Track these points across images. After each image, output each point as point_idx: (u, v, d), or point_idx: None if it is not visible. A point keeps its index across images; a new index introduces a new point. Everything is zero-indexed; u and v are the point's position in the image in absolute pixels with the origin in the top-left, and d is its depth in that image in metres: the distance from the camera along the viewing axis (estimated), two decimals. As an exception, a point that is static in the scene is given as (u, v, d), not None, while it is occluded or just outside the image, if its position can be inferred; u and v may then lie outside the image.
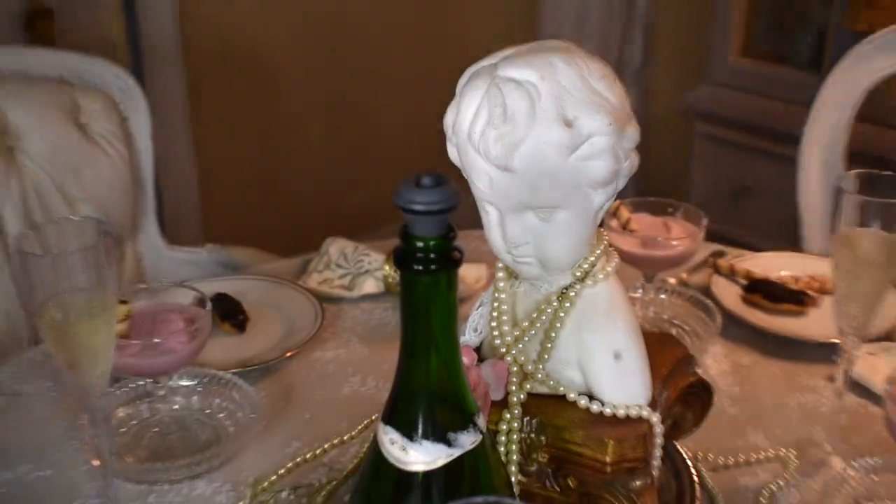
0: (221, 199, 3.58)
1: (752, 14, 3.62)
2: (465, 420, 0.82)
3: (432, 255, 0.75)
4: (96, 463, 1.24)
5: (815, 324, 1.63)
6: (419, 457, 0.81)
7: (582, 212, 1.03)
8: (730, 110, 3.59)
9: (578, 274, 1.07)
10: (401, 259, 0.76)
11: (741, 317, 1.63)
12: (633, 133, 1.02)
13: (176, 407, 1.40)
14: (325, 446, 1.34)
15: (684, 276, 1.77)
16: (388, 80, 3.93)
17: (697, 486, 1.21)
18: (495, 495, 0.72)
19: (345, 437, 1.35)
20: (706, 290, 1.68)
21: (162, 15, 3.26)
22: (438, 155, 1.08)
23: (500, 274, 1.12)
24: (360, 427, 1.37)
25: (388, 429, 0.82)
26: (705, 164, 3.76)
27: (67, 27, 2.99)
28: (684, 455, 1.25)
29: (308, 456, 1.32)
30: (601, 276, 1.07)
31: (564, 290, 1.07)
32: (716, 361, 1.55)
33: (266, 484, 1.26)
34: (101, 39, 3.12)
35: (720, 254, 1.83)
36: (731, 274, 1.76)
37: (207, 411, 1.40)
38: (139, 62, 3.24)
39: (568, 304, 1.07)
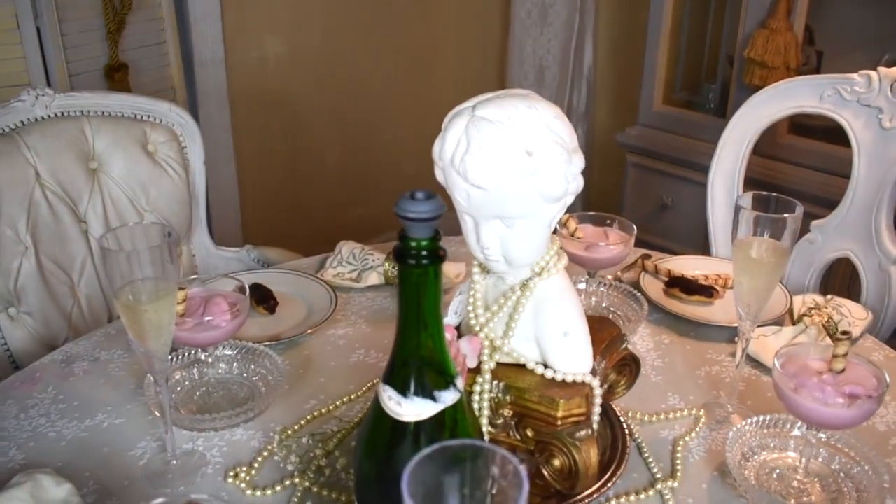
0: (257, 211, 3.58)
1: (672, 71, 3.62)
2: (447, 381, 0.82)
3: (423, 253, 0.75)
4: (157, 414, 1.23)
5: (720, 311, 1.63)
6: (411, 410, 0.80)
7: (539, 221, 1.03)
8: (654, 145, 3.59)
9: (536, 269, 1.07)
10: (399, 256, 0.76)
11: (663, 305, 1.63)
12: (578, 161, 1.02)
13: (220, 371, 1.39)
14: (337, 403, 1.33)
15: (619, 273, 1.77)
16: (387, 119, 3.94)
17: (628, 437, 1.21)
18: (469, 440, 0.72)
19: (352, 396, 1.35)
20: (636, 285, 1.68)
21: (213, 67, 3.26)
22: (427, 177, 1.08)
23: (475, 269, 1.12)
24: (364, 388, 1.37)
25: (387, 388, 0.82)
26: (635, 186, 3.77)
27: (139, 77, 2.99)
28: (618, 412, 1.25)
29: (323, 411, 1.31)
30: (554, 272, 1.07)
31: (525, 282, 1.07)
32: (643, 340, 1.55)
33: (290, 432, 1.26)
34: (165, 86, 3.13)
35: (647, 256, 1.82)
36: (655, 272, 1.76)
37: (244, 375, 1.39)
38: (195, 103, 3.25)
39: (528, 293, 1.07)
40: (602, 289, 1.62)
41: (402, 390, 0.81)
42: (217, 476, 1.17)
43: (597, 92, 3.97)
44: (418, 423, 0.81)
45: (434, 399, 0.80)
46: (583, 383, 1.06)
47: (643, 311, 1.55)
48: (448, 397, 0.81)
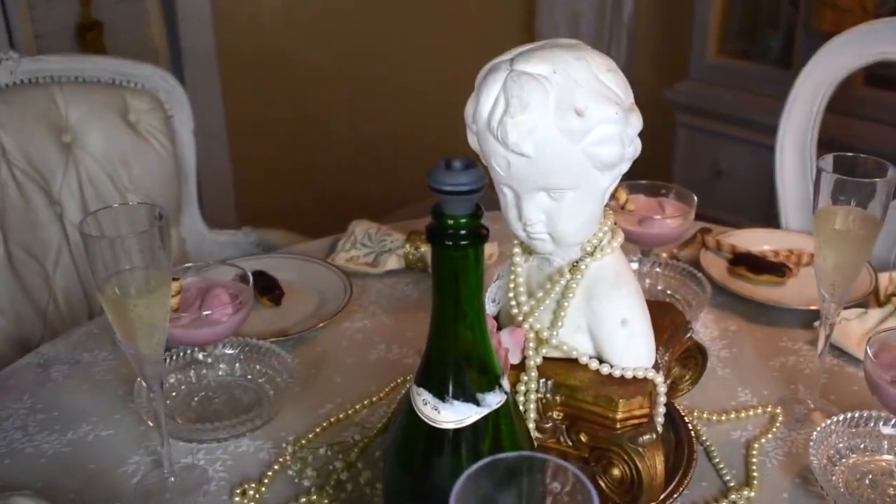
0: (255, 187, 3.57)
1: (727, 16, 3.60)
2: (491, 382, 0.81)
3: (462, 232, 0.74)
4: (151, 424, 1.22)
5: (794, 292, 1.61)
6: (450, 415, 0.79)
7: (590, 192, 1.02)
8: (708, 103, 3.58)
9: (588, 248, 1.05)
10: (434, 235, 0.74)
11: (727, 287, 1.61)
12: (636, 121, 1.00)
13: (221, 373, 1.39)
14: (357, 407, 1.32)
15: (676, 251, 1.75)
16: (402, 78, 3.92)
17: (694, 440, 1.19)
18: (522, 451, 0.71)
19: (374, 399, 1.34)
20: (695, 263, 1.66)
21: (199, 23, 3.25)
22: (452, 146, 1.07)
23: (517, 250, 1.10)
24: (387, 389, 1.36)
25: (421, 390, 0.81)
26: (686, 151, 3.75)
27: (115, 37, 2.98)
28: (682, 412, 1.24)
29: (341, 416, 1.31)
30: (608, 251, 1.06)
31: (575, 264, 1.06)
32: (706, 328, 1.53)
33: (304, 441, 1.25)
34: (146, 46, 3.12)
35: (707, 230, 1.81)
36: (717, 248, 1.74)
37: (249, 377, 1.39)
38: (180, 66, 3.24)
39: (578, 276, 1.05)
40: (657, 269, 1.61)
41: (440, 393, 0.79)
42: (222, 494, 1.17)
43: (639, 42, 3.94)
44: (458, 431, 0.79)
45: (477, 402, 0.79)
46: (644, 379, 1.05)
47: (706, 293, 1.53)
48: (493, 400, 0.80)
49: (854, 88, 3.07)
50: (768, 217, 2.15)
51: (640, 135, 1.02)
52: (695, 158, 3.71)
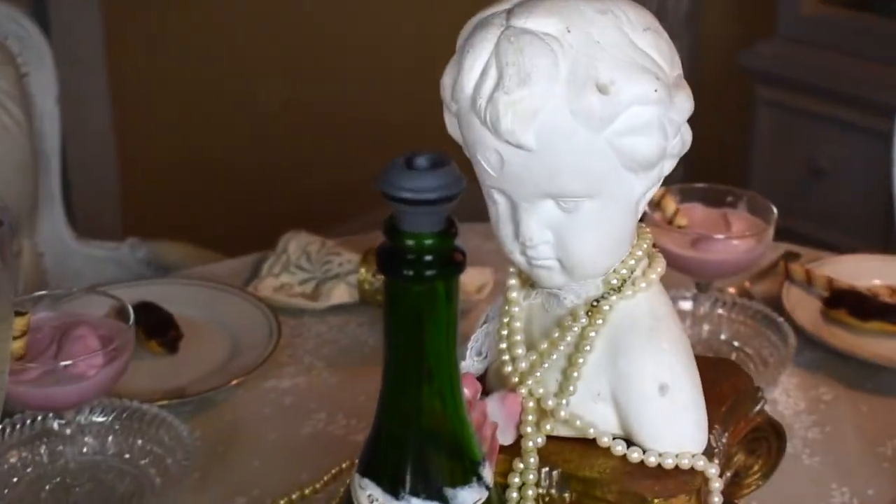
0: (147, 183, 3.57)
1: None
2: (466, 471, 0.81)
3: (427, 258, 0.74)
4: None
5: (917, 347, 1.63)
6: (407, 517, 0.80)
7: (617, 202, 1.03)
8: (802, 71, 3.60)
9: (614, 282, 1.06)
10: (386, 261, 0.75)
11: (821, 338, 1.63)
12: (684, 102, 1.01)
13: (86, 450, 1.40)
14: (281, 503, 1.33)
15: (748, 284, 1.77)
16: (366, 30, 3.93)
17: (765, 559, 1.21)
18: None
19: (306, 491, 1.35)
20: (776, 303, 1.68)
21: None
22: (425, 130, 1.08)
23: (513, 281, 1.11)
24: (325, 478, 1.37)
25: (367, 482, 0.82)
26: (770, 139, 3.77)
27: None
28: (749, 517, 1.25)
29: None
30: (643, 286, 1.07)
31: (595, 304, 1.06)
32: (789, 396, 1.55)
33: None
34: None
35: (793, 256, 1.83)
36: (807, 282, 1.76)
37: (127, 456, 1.40)
38: (44, 4, 3.25)
39: (600, 321, 1.06)
40: (720, 310, 1.62)
41: (392, 487, 0.80)
42: None
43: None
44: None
45: (445, 501, 0.80)
46: (691, 470, 1.06)
47: (789, 347, 1.55)
48: (468, 497, 0.81)
49: None
50: (887, 237, 2.17)
51: (696, 120, 1.03)
52: (783, 151, 3.74)
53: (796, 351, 1.56)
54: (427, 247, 0.74)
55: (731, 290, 1.72)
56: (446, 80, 1.01)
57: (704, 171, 1.84)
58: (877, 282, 1.76)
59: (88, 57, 3.36)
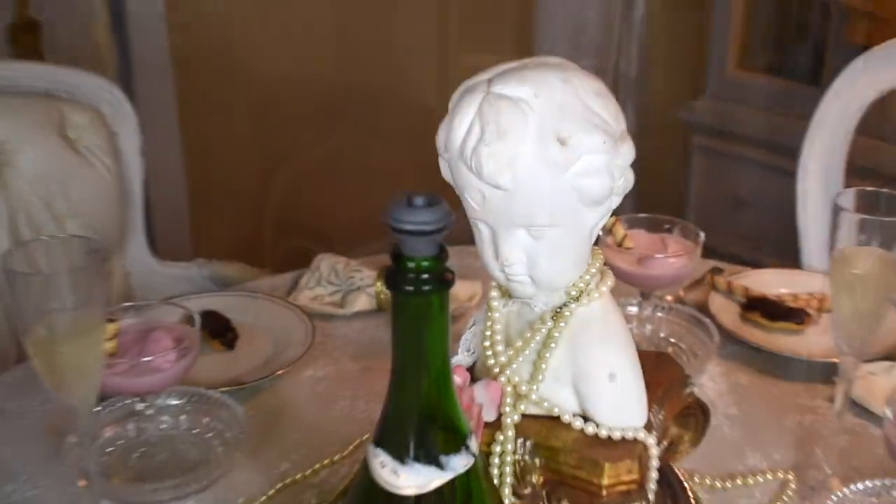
0: (212, 214, 3.57)
1: (750, 26, 3.63)
2: (457, 442, 0.82)
3: (424, 276, 0.75)
4: (82, 484, 1.23)
5: (814, 342, 1.63)
6: (410, 480, 0.80)
7: (576, 230, 1.03)
8: (728, 123, 3.60)
9: (573, 293, 1.07)
10: (391, 280, 0.76)
11: (739, 335, 1.63)
12: (627, 151, 1.02)
13: (164, 426, 1.40)
14: (315, 467, 1.33)
15: (681, 293, 1.77)
16: (384, 93, 3.93)
17: (694, 509, 1.21)
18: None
19: (335, 458, 1.35)
20: (703, 308, 1.69)
21: (151, 26, 3.26)
22: (432, 176, 1.08)
23: (494, 293, 1.11)
24: (350, 448, 1.37)
25: (379, 451, 0.82)
26: (703, 177, 3.77)
27: (54, 40, 2.99)
28: (681, 477, 1.25)
29: (298, 477, 1.32)
30: (596, 296, 1.07)
31: (558, 310, 1.07)
32: (713, 381, 1.55)
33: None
34: (89, 52, 3.13)
35: (718, 271, 1.83)
36: (728, 291, 1.76)
37: (195, 431, 1.40)
38: (128, 75, 3.25)
39: (562, 324, 1.06)
40: (659, 314, 1.63)
41: (399, 454, 0.80)
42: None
43: (651, 54, 3.97)
44: (420, 498, 0.81)
45: (440, 466, 0.80)
46: (634, 441, 1.06)
47: (713, 342, 1.55)
48: (458, 463, 0.81)
49: (891, 110, 3.09)
50: (795, 255, 2.17)
51: (647, 159, 1.04)
52: (713, 186, 3.73)
53: (719, 346, 1.56)
54: (424, 268, 0.75)
55: (669, 298, 1.72)
56: (440, 135, 1.02)
57: (649, 204, 1.84)
58: (783, 290, 1.76)
59: (164, 117, 3.36)
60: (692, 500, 1.22)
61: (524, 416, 1.07)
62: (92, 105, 2.04)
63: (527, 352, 1.08)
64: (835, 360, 1.38)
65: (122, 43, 3.23)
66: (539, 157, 0.96)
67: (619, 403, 1.07)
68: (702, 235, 1.56)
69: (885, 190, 1.24)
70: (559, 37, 3.90)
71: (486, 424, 1.07)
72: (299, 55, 3.66)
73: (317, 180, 3.85)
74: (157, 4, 3.25)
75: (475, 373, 1.14)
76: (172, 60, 3.34)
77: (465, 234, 1.07)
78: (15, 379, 1.55)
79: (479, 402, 1.05)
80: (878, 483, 1.21)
